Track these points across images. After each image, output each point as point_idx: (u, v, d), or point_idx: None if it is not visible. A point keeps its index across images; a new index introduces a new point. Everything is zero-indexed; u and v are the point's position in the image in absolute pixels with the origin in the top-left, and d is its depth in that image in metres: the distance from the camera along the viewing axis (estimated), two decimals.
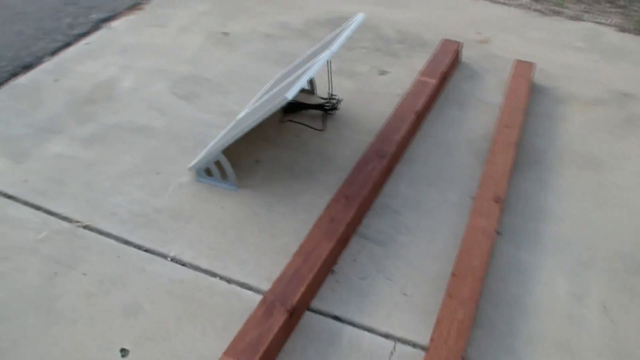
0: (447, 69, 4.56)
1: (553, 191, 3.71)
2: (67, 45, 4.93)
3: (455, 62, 4.77)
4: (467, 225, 3.33)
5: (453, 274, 3.05)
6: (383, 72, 4.66)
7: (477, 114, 4.29)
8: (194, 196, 3.56)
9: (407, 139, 3.97)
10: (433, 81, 4.33)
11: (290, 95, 3.16)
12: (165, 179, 3.66)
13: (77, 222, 3.38)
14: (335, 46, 3.62)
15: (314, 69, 3.39)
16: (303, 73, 3.45)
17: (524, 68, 4.58)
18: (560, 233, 3.43)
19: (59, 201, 3.49)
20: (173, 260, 3.20)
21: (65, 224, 3.36)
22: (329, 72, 4.33)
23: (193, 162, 3.68)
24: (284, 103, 3.17)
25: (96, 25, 5.16)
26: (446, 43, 4.80)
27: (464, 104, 4.38)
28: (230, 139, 3.44)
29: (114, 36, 5.03)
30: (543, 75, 4.72)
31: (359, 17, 3.89)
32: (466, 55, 4.94)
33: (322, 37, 5.09)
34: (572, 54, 5.05)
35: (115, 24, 5.27)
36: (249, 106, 4.09)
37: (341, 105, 4.29)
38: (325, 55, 3.51)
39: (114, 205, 3.48)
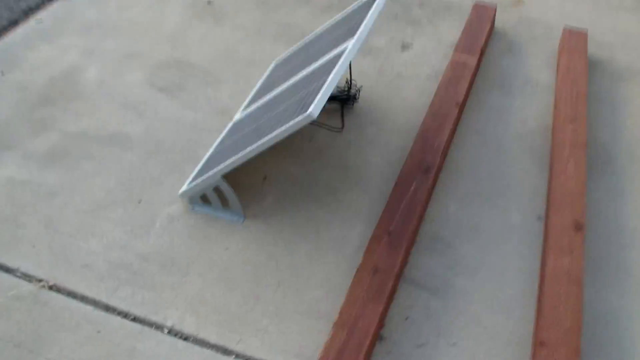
0: (485, 43, 3.72)
1: (632, 203, 2.96)
2: (14, 23, 3.96)
3: (491, 31, 3.92)
4: (545, 265, 2.57)
5: (540, 343, 2.30)
6: (406, 46, 3.80)
7: (526, 99, 3.49)
8: (189, 234, 2.74)
9: (450, 141, 3.15)
10: (472, 60, 3.50)
11: (316, 111, 2.34)
12: (149, 210, 2.83)
13: (40, 281, 2.55)
14: (362, 32, 2.77)
15: (340, 68, 2.55)
16: (325, 72, 2.60)
17: (576, 39, 3.76)
18: None
19: (13, 251, 2.66)
20: (171, 332, 2.41)
21: (24, 285, 2.55)
22: None
23: (184, 187, 2.85)
24: (307, 121, 2.34)
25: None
26: (479, 8, 3.95)
27: (508, 86, 3.56)
28: (232, 163, 2.62)
29: (72, 9, 4.07)
30: (594, 44, 3.91)
31: None
32: (500, 19, 4.09)
33: (326, 4, 4.18)
34: (624, 16, 4.22)
35: None
36: (248, 102, 3.21)
37: (361, 94, 3.44)
38: (351, 47, 2.66)
39: (87, 252, 2.65)
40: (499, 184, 3.05)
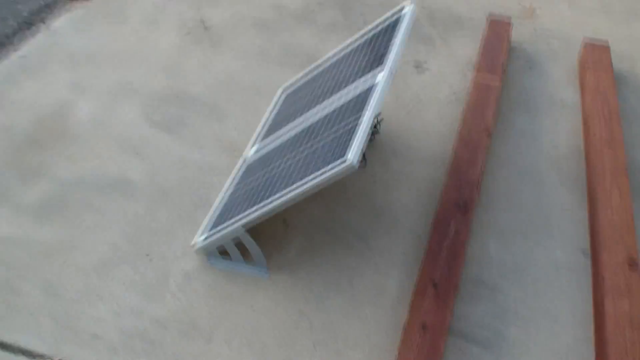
0: (506, 61, 3.48)
1: None
2: None
3: (508, 47, 3.68)
4: (603, 311, 2.32)
5: None
6: (420, 67, 3.55)
7: (553, 120, 3.25)
8: (209, 293, 2.45)
9: (482, 171, 2.91)
10: (496, 81, 3.26)
11: (355, 159, 2.07)
12: (161, 267, 2.53)
13: (43, 357, 2.23)
14: (393, 62, 2.50)
15: (375, 106, 2.27)
16: (356, 110, 2.33)
17: (598, 53, 3.54)
18: None
19: (10, 323, 2.35)
20: None
21: None
22: None
23: (199, 240, 2.55)
24: (347, 172, 2.08)
25: (29, 26, 3.86)
26: (494, 23, 3.71)
27: (533, 107, 3.32)
28: (257, 215, 2.33)
29: (57, 41, 3.75)
30: (613, 56, 3.67)
31: (408, 10, 2.74)
32: (514, 33, 3.87)
33: (330, 23, 3.90)
34: None
35: (55, 23, 3.95)
36: (259, 137, 2.93)
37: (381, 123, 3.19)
38: (384, 81, 2.39)
39: (95, 320, 2.34)
40: (537, 217, 2.80)
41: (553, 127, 3.24)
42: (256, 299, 2.46)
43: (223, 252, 2.57)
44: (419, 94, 3.40)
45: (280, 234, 2.69)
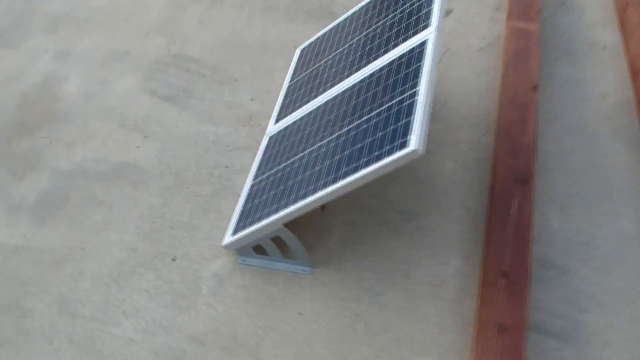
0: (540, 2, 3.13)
1: None
2: None
3: None
4: None
5: None
6: (446, 11, 3.17)
7: (597, 67, 2.94)
8: (248, 298, 2.15)
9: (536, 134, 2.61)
10: (534, 27, 2.91)
11: (420, 143, 1.74)
12: (189, 270, 2.21)
13: None
14: (437, 17, 2.15)
15: (431, 75, 1.93)
16: (406, 79, 1.98)
17: None
18: None
19: (26, 349, 2.02)
20: None
21: None
22: None
23: (230, 238, 2.22)
24: (409, 159, 1.75)
25: None
26: None
27: (573, 52, 3.00)
28: (298, 207, 2.01)
29: (30, 1, 3.26)
30: None
31: None
32: None
33: None
34: None
35: None
36: (282, 107, 2.57)
37: None
38: (432, 40, 2.04)
39: (122, 342, 2.03)
40: (596, 181, 2.52)
41: (597, 74, 2.92)
42: (302, 301, 2.16)
43: (259, 249, 2.25)
44: (447, 43, 3.04)
45: (318, 221, 2.37)
